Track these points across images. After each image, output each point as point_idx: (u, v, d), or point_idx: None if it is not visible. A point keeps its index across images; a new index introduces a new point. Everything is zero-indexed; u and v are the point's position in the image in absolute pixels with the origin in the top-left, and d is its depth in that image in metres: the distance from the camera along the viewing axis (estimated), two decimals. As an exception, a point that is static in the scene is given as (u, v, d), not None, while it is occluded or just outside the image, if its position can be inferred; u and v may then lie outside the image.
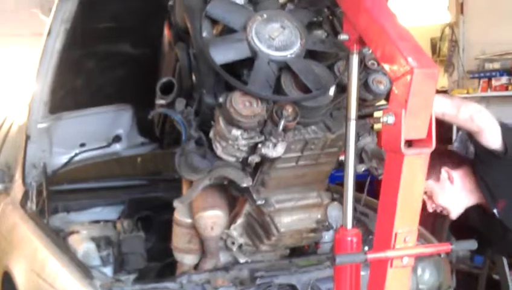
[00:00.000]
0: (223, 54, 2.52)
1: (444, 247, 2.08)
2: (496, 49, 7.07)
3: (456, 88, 7.41)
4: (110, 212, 4.04)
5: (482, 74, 7.11)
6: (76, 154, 4.09)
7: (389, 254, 1.94)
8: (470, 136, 2.86)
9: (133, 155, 4.43)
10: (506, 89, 6.75)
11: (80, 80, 3.73)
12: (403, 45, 1.92)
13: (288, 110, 2.46)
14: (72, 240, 3.27)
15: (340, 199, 3.49)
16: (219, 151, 2.63)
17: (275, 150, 2.52)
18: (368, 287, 2.09)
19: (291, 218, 2.90)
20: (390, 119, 1.88)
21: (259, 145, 2.54)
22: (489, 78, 6.97)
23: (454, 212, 3.10)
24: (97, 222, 3.72)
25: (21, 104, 4.55)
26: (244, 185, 2.73)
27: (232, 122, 2.48)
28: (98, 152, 4.20)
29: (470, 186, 3.09)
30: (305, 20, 2.75)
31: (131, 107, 4.13)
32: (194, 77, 2.78)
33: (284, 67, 2.57)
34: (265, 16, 2.62)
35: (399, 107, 1.86)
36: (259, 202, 2.80)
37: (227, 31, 2.67)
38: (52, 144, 3.94)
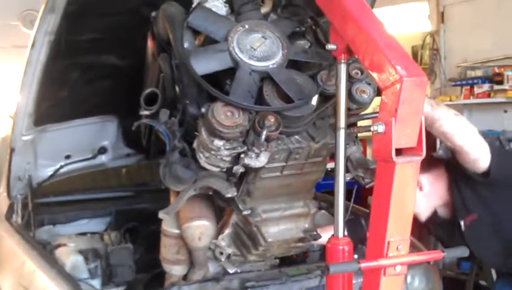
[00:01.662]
0: (204, 65, 2.52)
1: (436, 255, 2.08)
2: (477, 57, 7.14)
3: (438, 96, 7.47)
4: (96, 224, 4.02)
5: (464, 82, 7.18)
6: (61, 167, 4.07)
7: (382, 262, 1.95)
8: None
9: (119, 166, 4.41)
10: (489, 96, 6.81)
11: (64, 92, 3.70)
12: (391, 54, 1.94)
13: (271, 120, 2.46)
14: (60, 252, 3.24)
15: (327, 207, 3.53)
16: (202, 161, 2.62)
17: (257, 160, 2.51)
18: None
19: (278, 228, 2.89)
20: (381, 128, 1.89)
21: (242, 156, 2.53)
22: (472, 86, 7.03)
23: (423, 216, 3.12)
24: (84, 234, 3.70)
25: (4, 117, 4.52)
26: (229, 195, 2.72)
27: (214, 133, 2.47)
28: (83, 164, 4.18)
29: (440, 192, 3.11)
30: (287, 30, 2.76)
31: (116, 118, 4.11)
32: (177, 88, 2.78)
33: (266, 77, 2.58)
34: (247, 26, 2.63)
35: (389, 116, 1.88)
36: (245, 212, 2.79)
37: (209, 41, 2.67)
38: (37, 156, 3.91)
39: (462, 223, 3.03)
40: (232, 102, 2.45)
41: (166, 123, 2.75)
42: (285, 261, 3.31)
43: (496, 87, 6.76)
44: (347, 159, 2.87)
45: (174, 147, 2.72)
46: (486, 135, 5.16)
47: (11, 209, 3.66)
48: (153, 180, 4.42)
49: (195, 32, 2.70)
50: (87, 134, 4.06)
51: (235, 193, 2.72)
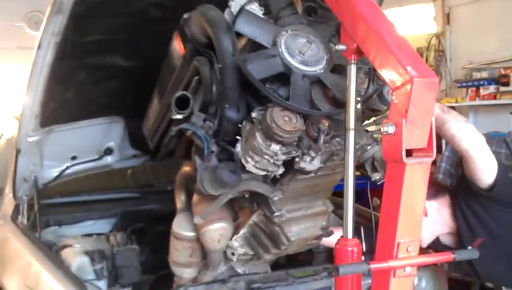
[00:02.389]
0: (258, 70, 2.50)
1: (446, 256, 2.07)
2: (483, 59, 7.14)
3: (444, 97, 7.46)
4: (102, 226, 4.02)
5: (469, 83, 7.18)
6: (67, 168, 4.07)
7: (392, 263, 1.94)
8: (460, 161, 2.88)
9: (125, 168, 4.41)
10: (494, 98, 6.81)
11: (70, 93, 3.70)
12: (401, 55, 1.93)
13: (325, 124, 2.46)
14: (66, 254, 3.24)
15: (334, 209, 3.51)
16: (250, 165, 2.57)
17: (312, 163, 2.49)
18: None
19: (299, 227, 2.89)
20: (391, 129, 1.88)
21: (297, 160, 2.50)
22: (477, 87, 7.03)
23: (425, 242, 3.11)
24: (90, 235, 3.70)
25: (10, 118, 4.52)
26: (276, 198, 2.71)
27: (272, 138, 2.44)
28: (89, 165, 4.18)
29: (445, 218, 3.10)
30: (327, 34, 2.74)
31: (122, 119, 4.11)
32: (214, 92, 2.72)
33: (314, 81, 2.57)
34: (289, 31, 2.62)
35: (399, 117, 1.86)
36: (277, 213, 2.78)
37: (251, 45, 2.65)
38: (43, 157, 3.91)
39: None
40: (294, 108, 2.44)
41: (202, 127, 2.71)
42: (292, 263, 3.30)
43: (502, 88, 6.76)
44: (372, 158, 2.87)
45: (210, 152, 2.71)
46: (492, 136, 5.12)
47: (17, 211, 3.67)
48: (158, 182, 4.43)
49: (237, 36, 2.64)
50: (93, 135, 4.06)
51: (281, 196, 2.71)
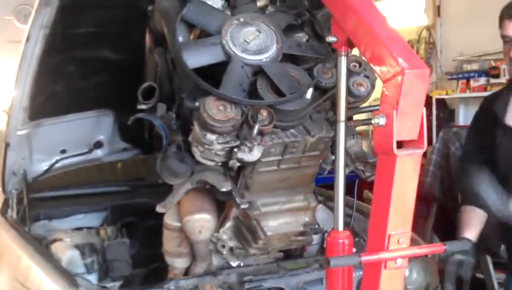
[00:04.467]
0: (196, 58, 2.51)
1: (438, 247, 2.07)
2: (473, 51, 7.15)
3: (434, 89, 7.47)
4: (92, 219, 3.99)
5: (460, 75, 7.18)
6: (57, 161, 4.05)
7: (383, 255, 1.93)
8: None
9: (115, 161, 4.39)
10: (485, 90, 6.80)
11: (59, 86, 3.69)
12: (392, 46, 1.92)
13: (263, 114, 2.45)
14: (56, 247, 3.22)
15: (324, 201, 3.51)
16: (197, 155, 2.61)
17: (251, 154, 2.50)
18: (362, 285, 2.08)
19: (278, 221, 2.87)
20: (382, 121, 1.86)
21: (235, 150, 2.52)
22: (468, 80, 7.04)
23: None
24: (80, 229, 3.68)
25: (-1, 112, 4.50)
26: (224, 189, 2.70)
27: (206, 127, 2.46)
28: (79, 158, 4.16)
29: None
30: (282, 23, 2.74)
31: (112, 112, 4.09)
32: (173, 82, 2.76)
33: (260, 71, 2.56)
34: (241, 19, 2.62)
35: (390, 109, 1.85)
36: (242, 206, 2.77)
37: (204, 35, 2.66)
38: (32, 150, 3.89)
39: None
40: (222, 95, 2.44)
41: (163, 117, 2.74)
42: (283, 255, 3.30)
43: (493, 80, 6.76)
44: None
45: (171, 141, 2.71)
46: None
47: (6, 205, 3.64)
48: (149, 175, 4.41)
49: (190, 26, 2.69)
50: (82, 128, 4.04)
51: (229, 187, 2.70)
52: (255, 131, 2.43)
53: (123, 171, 4.58)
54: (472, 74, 7.02)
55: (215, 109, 2.41)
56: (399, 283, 2.04)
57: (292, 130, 2.63)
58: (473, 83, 6.97)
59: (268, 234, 2.83)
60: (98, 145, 4.20)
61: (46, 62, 3.27)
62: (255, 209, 2.80)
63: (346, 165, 2.81)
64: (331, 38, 2.21)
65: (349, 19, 2.10)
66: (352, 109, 2.79)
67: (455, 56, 7.43)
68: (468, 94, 7.03)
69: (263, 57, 2.57)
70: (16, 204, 3.61)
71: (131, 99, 3.44)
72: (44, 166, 4.01)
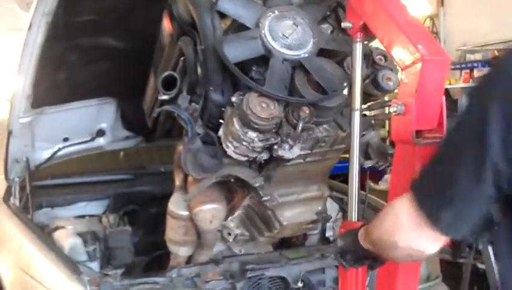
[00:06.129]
0: (236, 52, 2.43)
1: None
2: (476, 41, 7.13)
3: (437, 79, 7.44)
4: (95, 207, 4.01)
5: (463, 65, 7.17)
6: (59, 149, 4.04)
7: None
8: None
9: (117, 149, 4.38)
10: (488, 80, 6.78)
11: (62, 74, 3.67)
12: (411, 33, 1.86)
13: (306, 111, 2.40)
14: (58, 235, 3.23)
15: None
16: (230, 150, 2.55)
17: (291, 151, 2.47)
18: (377, 281, 2.06)
19: (293, 211, 2.87)
20: (400, 109, 1.79)
21: (276, 147, 2.48)
22: (471, 69, 7.03)
23: None
24: (82, 216, 3.69)
25: (2, 100, 4.49)
26: (257, 184, 2.69)
27: (248, 124, 2.40)
28: (81, 146, 4.16)
29: None
30: (317, 16, 2.67)
31: (114, 100, 4.08)
32: (199, 73, 2.67)
33: (297, 66, 2.50)
34: (277, 12, 2.53)
35: (409, 97, 1.78)
36: (265, 198, 2.76)
37: (237, 26, 2.57)
38: (34, 138, 3.88)
39: None
40: (269, 93, 2.38)
41: (187, 109, 2.67)
42: (285, 244, 3.30)
43: (496, 70, 6.73)
44: (367, 145, 2.84)
45: (195, 134, 2.68)
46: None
47: (8, 192, 3.66)
48: (151, 163, 4.42)
49: (221, 16, 2.58)
50: (85, 116, 4.03)
51: (262, 182, 2.69)
52: (300, 129, 2.39)
53: (125, 160, 4.58)
54: (475, 64, 7.00)
55: (258, 107, 2.36)
56: (416, 273, 2.07)
57: (325, 125, 2.61)
58: (476, 73, 6.96)
59: (284, 223, 2.84)
60: (101, 133, 4.19)
61: (48, 50, 3.25)
62: (272, 199, 2.78)
63: (368, 158, 2.82)
64: (346, 24, 2.12)
65: (365, 4, 2.04)
66: (377, 102, 2.78)
67: (458, 46, 7.41)
68: (471, 84, 7.01)
69: (302, 52, 2.50)
70: (18, 192, 3.63)
71: (134, 87, 3.45)
72: (46, 154, 4.01)
